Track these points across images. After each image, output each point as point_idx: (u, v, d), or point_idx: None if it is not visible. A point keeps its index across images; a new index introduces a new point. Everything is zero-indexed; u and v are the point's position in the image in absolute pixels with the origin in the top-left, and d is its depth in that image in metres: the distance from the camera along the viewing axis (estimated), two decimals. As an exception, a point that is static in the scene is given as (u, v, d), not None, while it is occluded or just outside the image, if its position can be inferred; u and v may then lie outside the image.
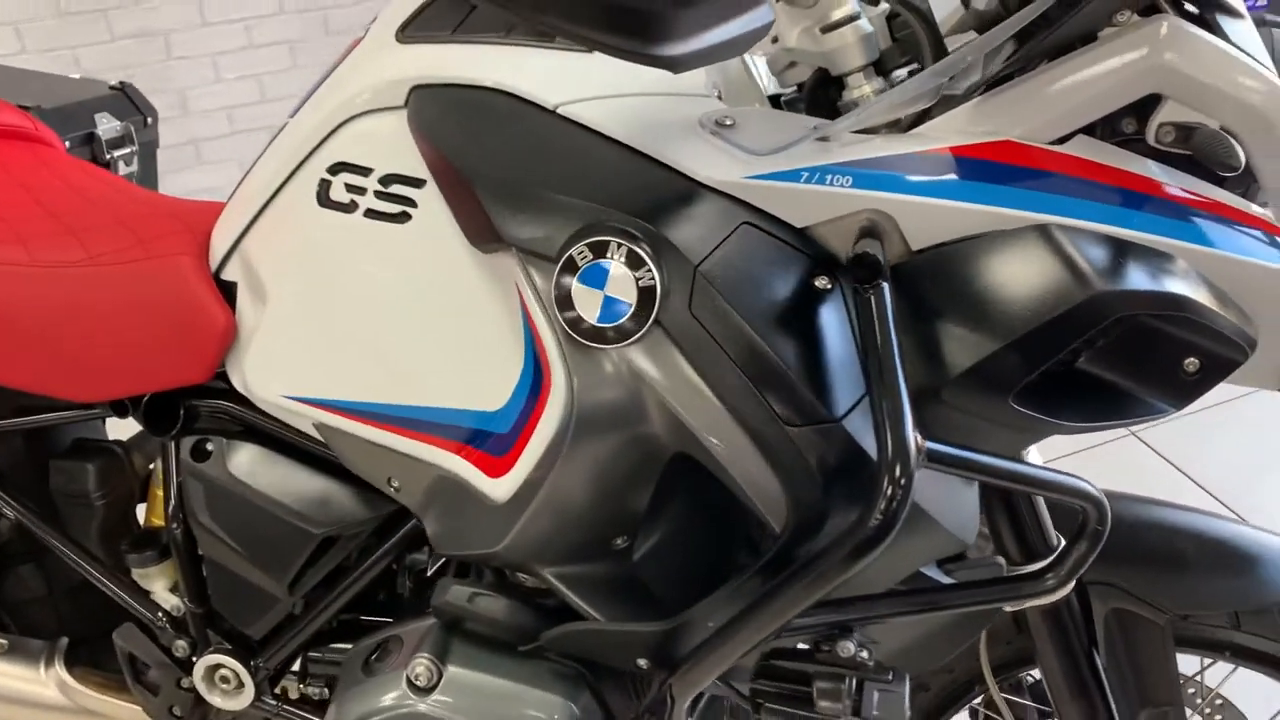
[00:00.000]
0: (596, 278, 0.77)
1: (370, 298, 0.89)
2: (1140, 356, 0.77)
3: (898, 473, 0.70)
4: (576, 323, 0.78)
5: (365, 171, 0.87)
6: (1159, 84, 0.75)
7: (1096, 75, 0.75)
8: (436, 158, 0.83)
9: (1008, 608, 0.96)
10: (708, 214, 0.78)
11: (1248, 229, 0.79)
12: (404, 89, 0.85)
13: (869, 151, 0.78)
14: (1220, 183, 0.80)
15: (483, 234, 0.82)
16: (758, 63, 0.96)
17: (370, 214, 0.87)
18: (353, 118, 0.88)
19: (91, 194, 1.14)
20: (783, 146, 0.79)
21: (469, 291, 0.86)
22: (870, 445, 0.76)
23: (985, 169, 0.77)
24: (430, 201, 0.85)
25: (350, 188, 0.88)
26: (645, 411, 0.80)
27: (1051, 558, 0.89)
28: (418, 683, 0.94)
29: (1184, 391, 0.78)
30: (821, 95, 0.90)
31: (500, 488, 0.86)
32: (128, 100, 1.87)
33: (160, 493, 1.10)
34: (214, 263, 0.97)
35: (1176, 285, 0.75)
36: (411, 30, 0.87)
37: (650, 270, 0.76)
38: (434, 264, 0.86)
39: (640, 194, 0.79)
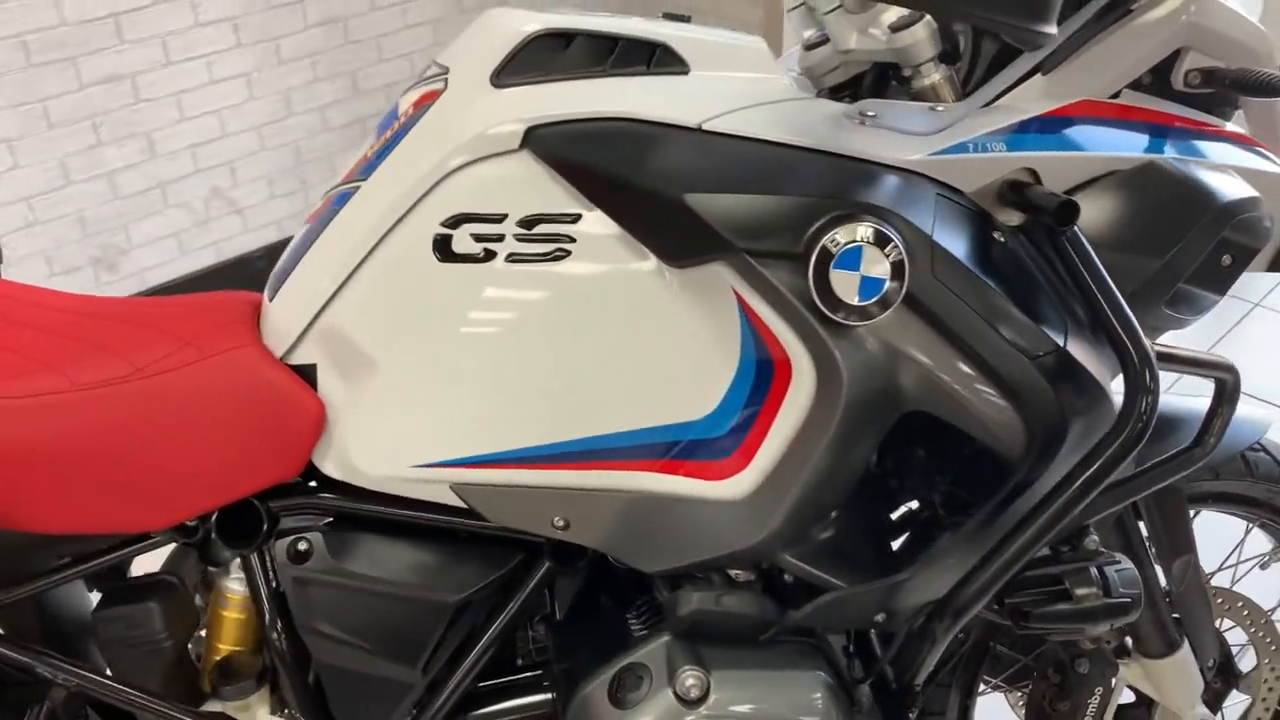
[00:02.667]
0: (852, 261, 0.83)
1: (526, 339, 0.89)
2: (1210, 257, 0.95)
3: (1148, 379, 0.87)
4: (838, 305, 0.84)
5: (498, 219, 0.87)
6: (1187, 38, 0.95)
7: (1140, 38, 0.94)
8: (607, 188, 0.86)
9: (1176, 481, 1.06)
10: (910, 190, 0.88)
11: (1255, 149, 1.02)
12: (518, 132, 0.86)
13: (1000, 121, 0.91)
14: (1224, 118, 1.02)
15: (684, 251, 0.86)
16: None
17: (515, 258, 0.87)
18: (458, 169, 0.87)
19: (86, 310, 1.03)
20: (945, 126, 0.90)
21: (657, 309, 0.88)
22: (1091, 366, 0.91)
23: (1084, 123, 0.94)
24: (591, 233, 0.87)
25: (481, 237, 0.87)
26: (897, 376, 0.88)
27: (1200, 427, 0.99)
28: (689, 696, 0.96)
29: (1225, 282, 0.97)
30: (881, 87, 1.03)
31: (735, 487, 0.90)
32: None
33: (230, 614, 1.01)
34: (281, 349, 0.93)
35: (1251, 191, 0.96)
36: (507, 75, 0.88)
37: (897, 246, 0.84)
38: (607, 291, 0.88)
39: (854, 182, 0.86)
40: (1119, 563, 1.06)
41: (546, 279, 0.87)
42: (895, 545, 1.06)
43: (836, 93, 1.02)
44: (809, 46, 1.01)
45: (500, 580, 0.99)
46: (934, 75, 0.92)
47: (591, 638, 1.06)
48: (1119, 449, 0.89)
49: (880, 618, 0.98)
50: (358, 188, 0.92)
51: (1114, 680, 1.23)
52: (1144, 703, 1.31)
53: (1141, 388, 0.88)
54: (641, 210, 0.86)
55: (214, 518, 0.94)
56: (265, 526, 0.95)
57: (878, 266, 0.84)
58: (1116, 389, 0.93)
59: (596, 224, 0.87)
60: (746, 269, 0.86)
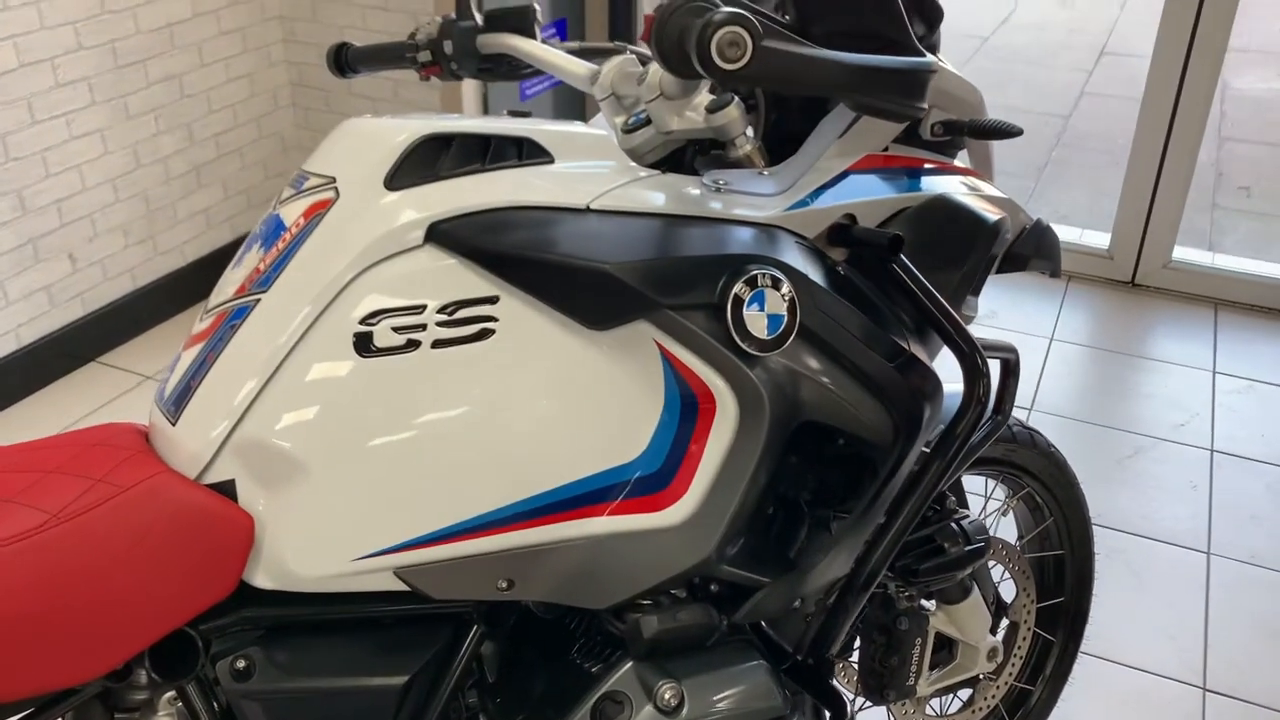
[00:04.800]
0: (759, 302, 0.96)
1: (459, 417, 0.91)
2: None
3: (981, 366, 1.09)
4: (752, 340, 0.96)
5: (417, 309, 0.90)
6: (933, 100, 1.16)
7: None
8: (523, 269, 0.91)
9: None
10: (781, 241, 1.02)
11: (978, 179, 1.26)
12: (421, 229, 0.91)
13: (819, 180, 1.08)
14: (952, 157, 1.26)
15: (607, 315, 0.93)
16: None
17: (440, 344, 0.90)
18: (366, 269, 0.90)
19: None
20: (785, 189, 1.07)
21: (582, 370, 0.94)
22: (928, 362, 1.09)
23: (871, 173, 1.13)
24: (512, 311, 0.92)
25: (402, 329, 0.90)
26: (800, 393, 1.00)
27: (995, 399, 1.20)
28: (669, 706, 1.02)
29: (982, 284, 1.20)
30: (702, 159, 1.15)
31: (676, 513, 0.97)
32: None
33: None
34: (194, 470, 0.91)
35: (1001, 211, 1.20)
36: (400, 179, 0.93)
37: (787, 287, 0.97)
38: (534, 361, 0.93)
39: (741, 239, 0.99)
40: (967, 517, 1.27)
41: (474, 358, 0.91)
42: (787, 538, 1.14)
43: (655, 168, 1.08)
44: (628, 130, 1.08)
45: (439, 653, 1.00)
46: (747, 146, 1.03)
47: (541, 687, 1.07)
48: (969, 423, 1.10)
49: (798, 603, 1.10)
50: (257, 300, 0.92)
51: (928, 630, 1.40)
52: (947, 644, 1.50)
53: (978, 374, 1.09)
54: (560, 284, 0.92)
55: (146, 654, 0.90)
56: (201, 652, 0.92)
57: (778, 305, 0.96)
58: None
59: (515, 302, 0.92)
60: (668, 322, 0.94)
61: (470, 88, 3.20)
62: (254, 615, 0.95)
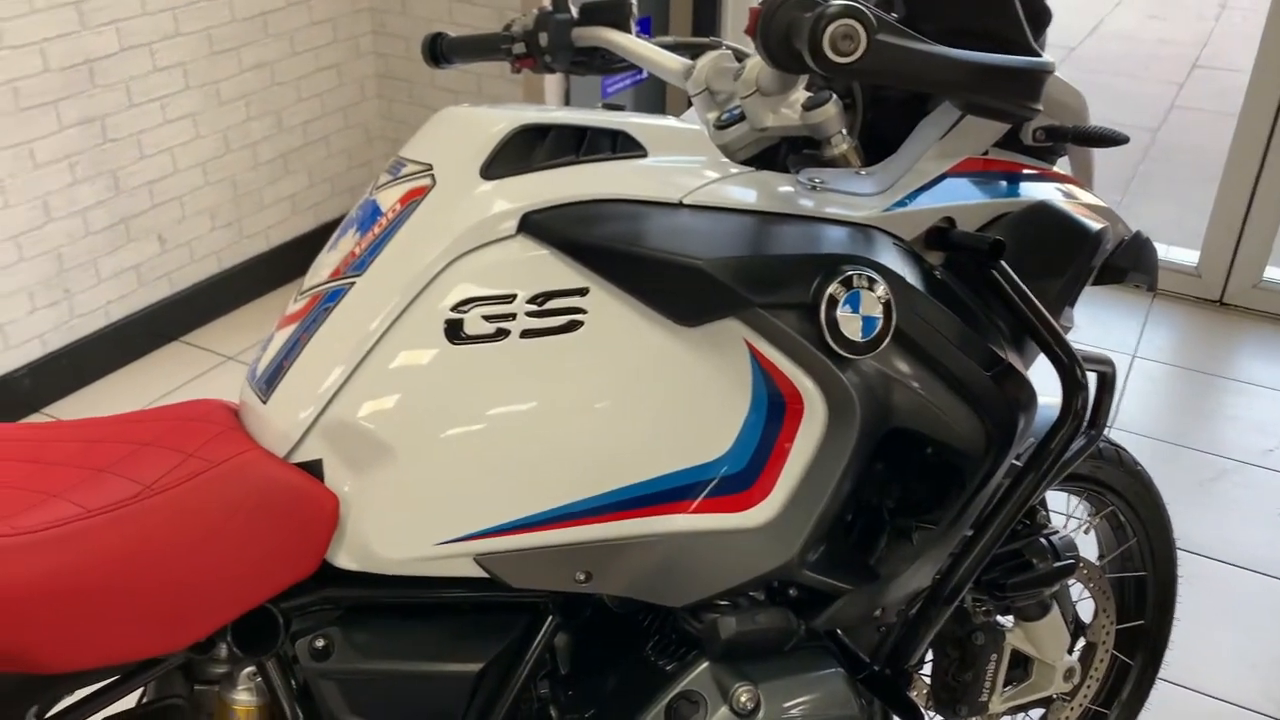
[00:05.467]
0: (854, 304, 0.94)
1: (545, 407, 0.91)
2: None
3: (1081, 378, 1.06)
4: (845, 342, 0.94)
5: (507, 299, 0.91)
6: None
7: None
8: (615, 262, 0.91)
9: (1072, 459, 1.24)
10: (878, 241, 1.01)
11: (1079, 188, 1.22)
12: (514, 219, 0.92)
13: (918, 181, 1.06)
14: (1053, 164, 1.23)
15: (698, 312, 0.93)
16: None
17: (529, 334, 0.91)
18: (459, 257, 0.91)
19: (75, 436, 0.97)
20: (883, 189, 1.05)
21: (670, 365, 0.93)
22: (1024, 372, 1.06)
23: (972, 177, 1.11)
24: (601, 304, 0.92)
25: (493, 317, 0.90)
26: (891, 398, 0.98)
27: (1090, 413, 1.15)
28: (745, 710, 1.01)
29: (1079, 295, 1.18)
30: (795, 157, 1.14)
31: (759, 515, 0.97)
32: None
33: None
34: (283, 449, 0.92)
35: (1103, 221, 1.17)
36: (494, 169, 0.94)
37: (883, 289, 0.96)
38: (622, 355, 0.93)
39: (839, 238, 0.98)
40: (1057, 533, 1.26)
41: (562, 349, 0.91)
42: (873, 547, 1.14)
43: (747, 165, 1.08)
44: (720, 126, 1.08)
45: (514, 642, 1.01)
46: (843, 145, 1.02)
47: (614, 682, 1.07)
48: (1066, 437, 1.07)
49: (878, 612, 1.08)
50: (351, 283, 0.93)
51: (1004, 646, 1.37)
52: (1022, 661, 1.46)
53: (1077, 387, 1.07)
54: (651, 279, 0.91)
55: (229, 629, 0.91)
56: (282, 629, 0.93)
57: (873, 307, 0.95)
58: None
59: (605, 295, 0.92)
60: (759, 320, 0.93)
61: (552, 85, 3.21)
62: (335, 595, 0.96)
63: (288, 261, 3.31)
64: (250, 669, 0.96)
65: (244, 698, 0.96)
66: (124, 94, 2.75)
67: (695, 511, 0.96)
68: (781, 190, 1.01)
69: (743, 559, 0.97)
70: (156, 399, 2.82)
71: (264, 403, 0.95)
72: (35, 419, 2.74)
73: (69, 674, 0.88)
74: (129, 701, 0.99)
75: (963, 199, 1.08)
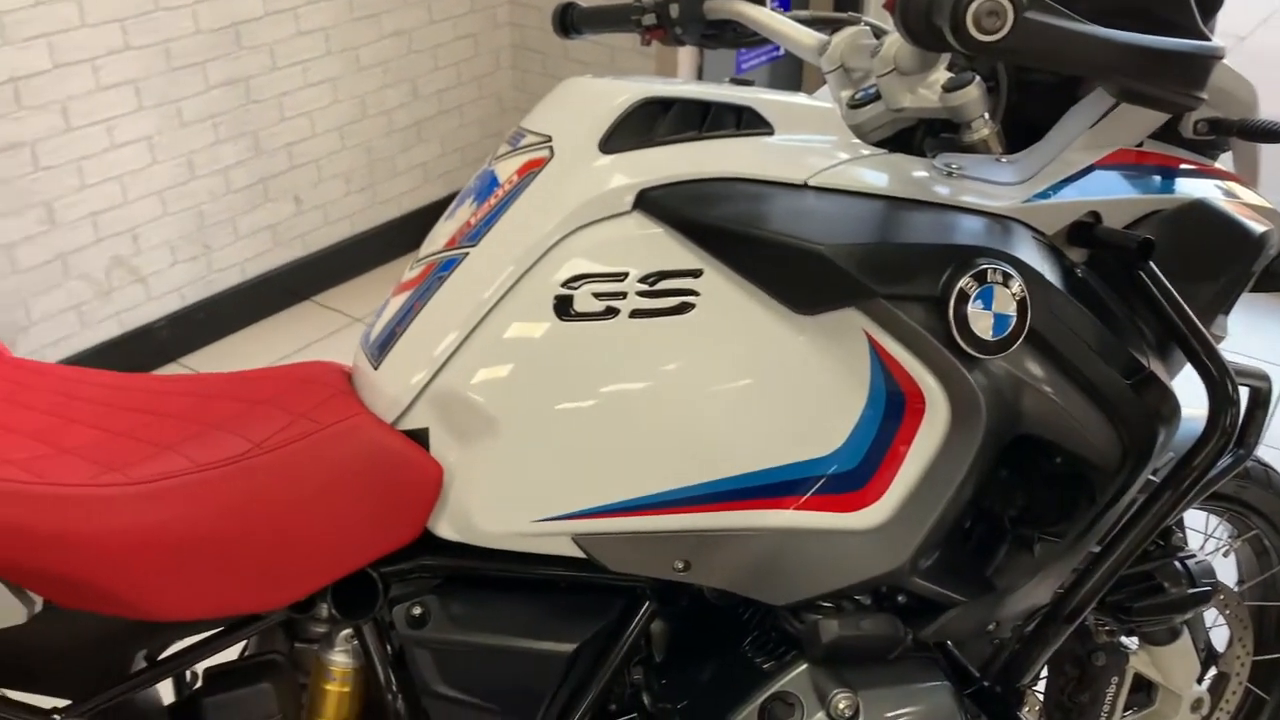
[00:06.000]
0: (985, 300, 0.89)
1: (652, 389, 0.89)
2: None
3: (1231, 392, 0.98)
4: (974, 340, 0.89)
5: (619, 277, 0.89)
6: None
7: None
8: (732, 244, 0.88)
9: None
10: (1016, 234, 0.95)
11: (1242, 186, 1.12)
12: (630, 195, 0.90)
13: (1063, 171, 0.99)
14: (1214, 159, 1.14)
15: (817, 299, 0.89)
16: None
17: (639, 313, 0.89)
18: (573, 232, 0.89)
19: (191, 390, 1.00)
20: (1025, 179, 0.98)
21: (783, 354, 0.90)
22: (1168, 382, 0.99)
23: (1123, 169, 1.03)
24: (715, 286, 0.89)
25: (603, 295, 0.89)
26: (1020, 403, 0.93)
27: (1239, 430, 1.06)
28: (841, 717, 0.98)
29: (1235, 302, 1.09)
30: (932, 141, 1.07)
31: (869, 517, 0.92)
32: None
33: (334, 688, 0.98)
34: (392, 415, 0.92)
35: (1267, 224, 1.07)
36: (614, 142, 0.91)
37: (1018, 285, 0.90)
38: (733, 340, 0.90)
39: (973, 229, 0.92)
40: (1194, 556, 1.18)
41: (672, 331, 0.89)
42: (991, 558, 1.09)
43: (880, 147, 1.05)
44: (854, 105, 1.05)
45: (609, 625, 1.00)
46: (984, 130, 0.97)
47: (708, 675, 1.05)
48: (1211, 455, 1.00)
49: (992, 626, 1.02)
50: (466, 253, 0.93)
51: (1126, 669, 1.30)
52: (1145, 686, 1.39)
53: (1226, 400, 0.99)
54: (768, 263, 0.88)
55: (329, 591, 0.92)
56: (381, 595, 0.93)
57: (1006, 305, 0.89)
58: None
59: (719, 277, 0.89)
60: (881, 312, 0.89)
61: (686, 58, 3.17)
62: (434, 564, 0.96)
63: (418, 228, 3.35)
64: (348, 631, 0.97)
65: (340, 659, 0.98)
66: (268, 56, 2.82)
67: (801, 508, 0.92)
68: (915, 175, 0.96)
69: (849, 562, 0.94)
70: (285, 356, 2.91)
71: (375, 368, 0.95)
72: (170, 369, 2.85)
73: (175, 623, 0.92)
74: (232, 653, 1.01)
75: (1111, 193, 1.01)
